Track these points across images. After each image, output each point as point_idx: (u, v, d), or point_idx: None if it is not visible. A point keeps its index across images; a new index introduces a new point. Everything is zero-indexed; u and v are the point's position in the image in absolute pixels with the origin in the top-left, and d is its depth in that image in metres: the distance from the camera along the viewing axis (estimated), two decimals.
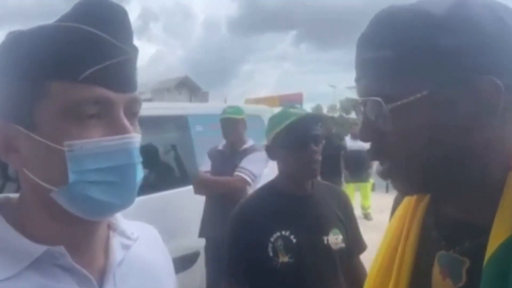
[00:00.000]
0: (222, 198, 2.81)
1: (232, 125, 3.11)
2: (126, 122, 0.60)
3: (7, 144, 0.60)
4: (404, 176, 0.64)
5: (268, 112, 4.60)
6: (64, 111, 0.57)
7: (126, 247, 0.69)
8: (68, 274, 0.61)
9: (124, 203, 0.61)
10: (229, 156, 3.07)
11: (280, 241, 1.50)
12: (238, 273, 1.56)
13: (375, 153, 0.65)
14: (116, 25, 0.59)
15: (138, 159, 0.61)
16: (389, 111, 0.60)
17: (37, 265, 0.59)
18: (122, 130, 0.59)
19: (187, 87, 32.27)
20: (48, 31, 0.58)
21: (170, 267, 0.81)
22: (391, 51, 0.59)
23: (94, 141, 0.57)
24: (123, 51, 0.59)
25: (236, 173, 2.87)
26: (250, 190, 2.70)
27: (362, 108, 0.64)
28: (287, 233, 1.50)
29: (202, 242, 3.59)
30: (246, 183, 2.84)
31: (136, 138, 0.61)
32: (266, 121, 4.82)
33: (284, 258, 1.48)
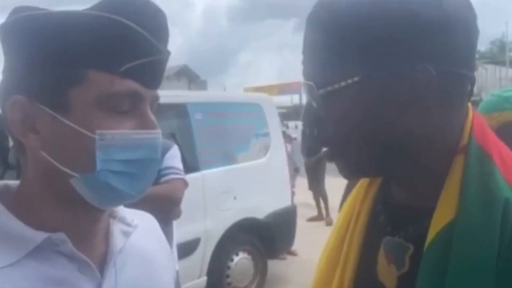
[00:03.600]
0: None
1: None
2: (153, 118, 0.62)
3: (26, 124, 0.59)
4: (344, 162, 0.64)
5: (268, 100, 4.59)
6: (99, 101, 0.58)
7: (126, 234, 0.70)
8: (69, 260, 0.61)
9: (138, 195, 0.63)
10: None
11: None
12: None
13: (318, 139, 0.65)
14: (156, 26, 0.61)
15: (159, 154, 0.63)
16: (321, 96, 0.60)
17: (38, 252, 0.59)
18: (150, 126, 0.61)
19: (186, 75, 32.18)
20: (90, 19, 0.58)
21: (168, 254, 0.82)
22: (326, 35, 0.59)
23: (125, 132, 0.59)
24: (159, 51, 0.61)
25: (170, 176, 2.39)
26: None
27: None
28: None
29: (202, 228, 3.62)
30: (185, 183, 2.46)
31: (160, 134, 0.63)
32: (265, 109, 4.82)
33: None
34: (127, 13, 0.58)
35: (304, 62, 0.64)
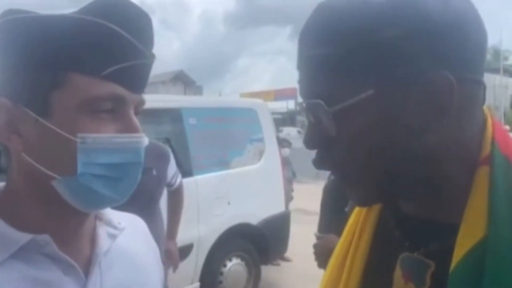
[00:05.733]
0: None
1: None
2: (137, 121, 0.62)
3: (10, 126, 0.59)
4: (358, 187, 0.58)
5: (263, 105, 4.60)
6: (81, 104, 0.58)
7: (112, 237, 0.69)
8: (53, 262, 0.61)
9: (121, 198, 0.63)
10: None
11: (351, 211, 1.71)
12: (324, 226, 1.99)
13: (321, 162, 0.59)
14: (140, 29, 0.61)
15: (143, 158, 0.63)
16: (332, 115, 0.54)
17: (22, 253, 0.59)
18: (133, 129, 0.61)
19: (181, 80, 32.18)
20: (73, 22, 0.58)
21: (157, 258, 0.81)
22: (330, 48, 0.54)
23: (107, 136, 0.59)
24: (144, 55, 0.61)
25: (180, 179, 2.85)
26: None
27: (306, 112, 0.59)
28: None
29: (196, 234, 3.61)
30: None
31: (144, 138, 0.63)
32: (260, 115, 4.81)
33: None
34: (111, 16, 0.58)
35: (302, 80, 0.59)
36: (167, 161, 2.62)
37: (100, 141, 0.59)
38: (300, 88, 0.60)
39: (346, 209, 1.62)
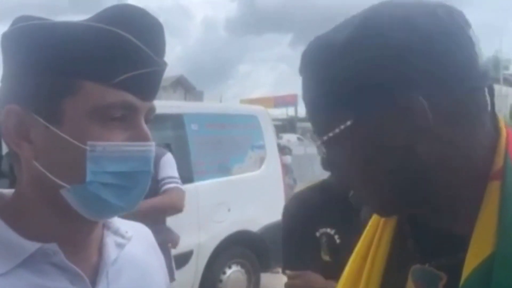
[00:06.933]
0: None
1: None
2: (147, 130, 0.61)
3: (21, 133, 0.59)
4: (371, 203, 0.63)
5: (264, 112, 4.60)
6: (92, 112, 0.57)
7: (120, 246, 0.69)
8: (61, 272, 0.60)
9: (130, 207, 0.62)
10: None
11: (324, 237, 1.49)
12: (294, 259, 1.55)
13: (337, 181, 0.67)
14: (152, 37, 0.60)
15: (152, 167, 0.62)
16: (323, 145, 0.60)
17: (30, 262, 0.58)
18: (144, 138, 0.61)
19: (182, 86, 32.27)
20: (85, 30, 0.58)
21: (162, 266, 0.81)
22: (316, 82, 0.60)
23: (117, 144, 0.59)
24: (155, 63, 0.60)
25: (169, 185, 2.45)
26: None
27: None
28: (332, 232, 1.49)
29: (195, 241, 3.59)
30: (183, 192, 2.53)
31: (153, 146, 0.62)
32: (261, 121, 4.82)
33: (325, 257, 1.48)
34: (124, 24, 0.58)
35: (306, 108, 0.64)
36: (156, 161, 2.51)
37: (109, 149, 0.58)
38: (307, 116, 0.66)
39: (318, 234, 1.53)
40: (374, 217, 0.71)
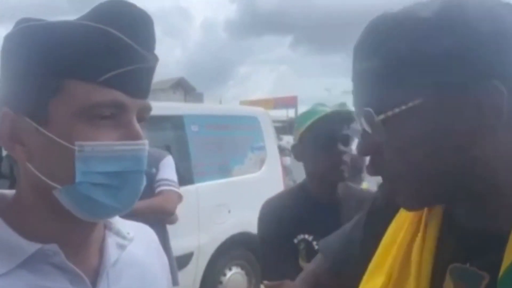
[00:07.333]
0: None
1: None
2: (139, 128, 0.60)
3: (14, 136, 0.59)
4: (406, 192, 0.60)
5: (265, 113, 4.60)
6: (79, 111, 0.56)
7: (121, 247, 0.68)
8: (61, 272, 0.60)
9: (124, 208, 0.61)
10: None
11: (302, 244, 1.46)
12: (273, 268, 1.49)
13: (373, 168, 0.61)
14: (141, 32, 0.59)
15: (145, 166, 0.61)
16: (381, 122, 0.57)
17: (30, 263, 0.58)
18: (135, 136, 0.59)
19: (182, 87, 32.29)
20: (73, 29, 0.57)
21: (165, 268, 0.80)
22: (379, 61, 0.57)
23: (106, 144, 0.57)
24: (145, 59, 0.59)
25: (163, 188, 2.40)
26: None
27: (358, 120, 0.61)
28: (310, 238, 1.46)
29: (196, 242, 3.58)
30: (179, 196, 2.47)
31: (146, 145, 0.61)
32: (262, 123, 4.81)
33: (303, 263, 1.43)
34: (112, 21, 0.57)
35: (355, 91, 0.61)
36: (156, 163, 2.51)
37: (98, 149, 0.57)
38: (353, 98, 0.62)
39: (296, 241, 1.47)
40: (405, 213, 0.68)
